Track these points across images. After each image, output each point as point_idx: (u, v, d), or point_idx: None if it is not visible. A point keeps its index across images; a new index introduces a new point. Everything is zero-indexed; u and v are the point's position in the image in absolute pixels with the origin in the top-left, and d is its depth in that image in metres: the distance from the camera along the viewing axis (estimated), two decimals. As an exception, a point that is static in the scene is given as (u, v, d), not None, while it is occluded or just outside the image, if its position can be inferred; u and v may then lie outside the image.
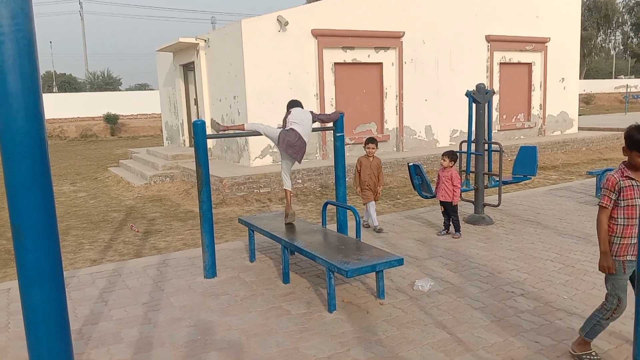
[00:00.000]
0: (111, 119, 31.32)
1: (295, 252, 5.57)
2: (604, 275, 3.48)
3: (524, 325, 4.13)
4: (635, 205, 3.28)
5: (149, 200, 11.17)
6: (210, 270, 5.46)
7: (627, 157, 3.31)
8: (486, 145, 7.54)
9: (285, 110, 5.90)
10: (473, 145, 7.49)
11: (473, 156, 7.51)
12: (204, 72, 14.18)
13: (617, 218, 3.33)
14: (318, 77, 12.83)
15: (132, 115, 35.04)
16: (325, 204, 6.08)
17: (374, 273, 4.71)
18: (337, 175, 6.36)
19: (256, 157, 12.33)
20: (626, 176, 3.29)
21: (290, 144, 5.55)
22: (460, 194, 6.86)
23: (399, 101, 14.21)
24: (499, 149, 7.30)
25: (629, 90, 42.86)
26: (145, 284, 5.35)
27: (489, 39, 15.71)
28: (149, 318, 4.51)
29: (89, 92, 42.97)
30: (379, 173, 7.23)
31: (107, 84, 53.60)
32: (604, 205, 3.34)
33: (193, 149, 5.54)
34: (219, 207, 9.95)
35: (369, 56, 13.67)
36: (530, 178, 8.29)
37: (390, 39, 13.81)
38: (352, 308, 4.59)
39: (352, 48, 13.34)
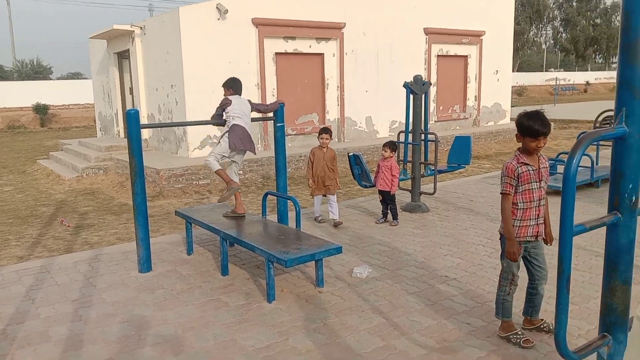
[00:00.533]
0: (41, 109, 29.74)
1: (235, 244, 5.51)
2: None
3: (457, 308, 4.28)
4: (532, 189, 3.49)
5: (80, 193, 10.71)
6: (145, 264, 5.31)
7: (520, 143, 3.50)
8: (423, 136, 7.73)
9: (224, 89, 5.77)
10: (410, 136, 7.66)
11: (410, 146, 7.68)
12: (139, 60, 13.70)
13: (517, 203, 3.52)
14: (259, 67, 12.70)
15: (63, 105, 33.44)
16: (265, 195, 6.04)
17: (314, 262, 4.74)
18: (278, 166, 6.33)
19: (195, 148, 12.08)
20: (522, 162, 3.47)
21: (244, 140, 5.58)
22: (398, 183, 7.01)
23: (340, 92, 14.30)
24: (434, 139, 7.49)
25: (558, 83, 45.18)
26: (75, 280, 5.14)
27: (427, 31, 16.07)
28: (79, 315, 4.33)
29: (16, 82, 40.58)
30: (333, 165, 6.95)
31: (36, 72, 50.78)
32: (507, 192, 3.50)
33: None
34: (156, 199, 9.69)
35: (310, 47, 13.66)
36: (465, 167, 8.57)
37: (331, 30, 13.85)
38: (292, 297, 4.59)
39: (293, 38, 13.28)
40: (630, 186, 2.54)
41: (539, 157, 3.54)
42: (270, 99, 12.62)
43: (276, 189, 6.40)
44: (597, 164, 8.77)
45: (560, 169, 8.93)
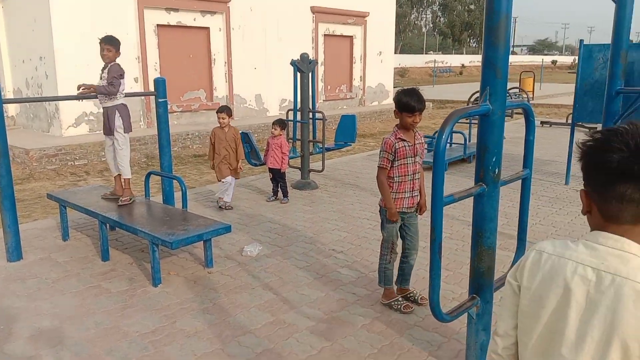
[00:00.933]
0: None
1: (116, 228, 5.23)
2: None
3: (343, 279, 4.45)
4: (407, 163, 3.70)
5: None
6: (15, 252, 4.86)
7: (398, 119, 3.72)
8: (311, 114, 7.83)
9: (113, 50, 5.04)
10: (299, 114, 7.72)
11: (299, 124, 7.75)
12: (1, 30, 12.31)
13: (393, 177, 3.73)
14: (139, 39, 12.00)
15: None
16: (148, 175, 5.78)
17: (202, 243, 4.64)
18: (161, 144, 6.06)
19: (69, 126, 11.20)
20: (399, 138, 3.67)
21: (130, 122, 5.22)
22: (288, 161, 7.06)
23: (228, 68, 14.00)
24: (322, 118, 7.62)
25: (436, 65, 48.01)
26: None
27: (314, 10, 16.20)
28: None
29: None
30: (237, 145, 6.54)
31: None
32: (383, 166, 3.70)
33: (-15, 115, 4.79)
34: (26, 182, 8.87)
35: (195, 20, 13.17)
36: (351, 145, 8.87)
37: (217, 4, 13.45)
38: (179, 280, 4.48)
39: (176, 10, 12.70)
40: (493, 159, 2.78)
41: (415, 134, 3.76)
42: (153, 74, 12.00)
43: (160, 169, 6.15)
44: (469, 140, 9.48)
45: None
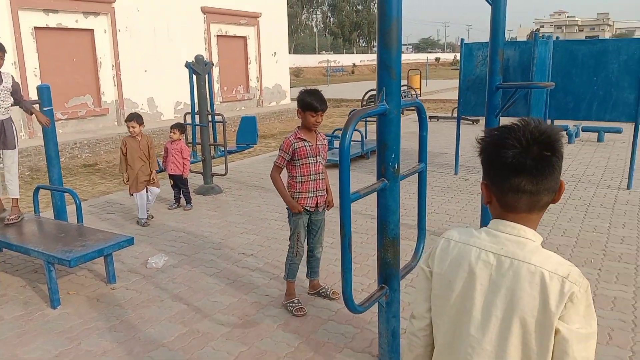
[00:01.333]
0: None
1: (2, 249, 4.80)
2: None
3: (256, 282, 4.45)
4: (309, 163, 3.77)
5: None
6: None
7: (301, 119, 3.79)
8: (210, 117, 7.70)
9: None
10: (197, 117, 7.57)
11: (198, 128, 7.59)
12: None
13: (296, 176, 3.79)
14: (15, 43, 11.05)
15: None
16: (37, 189, 5.37)
17: (102, 258, 4.41)
18: (49, 156, 5.64)
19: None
20: (299, 138, 3.73)
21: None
22: (190, 166, 6.89)
23: (116, 71, 13.32)
24: (222, 120, 7.53)
25: (329, 65, 49.12)
26: None
27: (205, 10, 15.90)
28: None
29: None
30: (151, 155, 6.12)
31: None
32: (277, 164, 3.77)
33: None
34: None
35: (77, 21, 12.38)
36: (253, 146, 8.85)
37: (100, 4, 12.74)
38: (80, 299, 4.22)
39: (55, 11, 11.85)
40: (393, 155, 2.94)
41: (317, 135, 3.84)
42: (33, 80, 11.12)
43: (49, 182, 5.72)
44: (365, 137, 9.85)
45: (336, 143, 9.82)
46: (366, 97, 13.30)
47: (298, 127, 3.82)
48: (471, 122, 13.95)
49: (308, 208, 3.85)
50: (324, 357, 3.30)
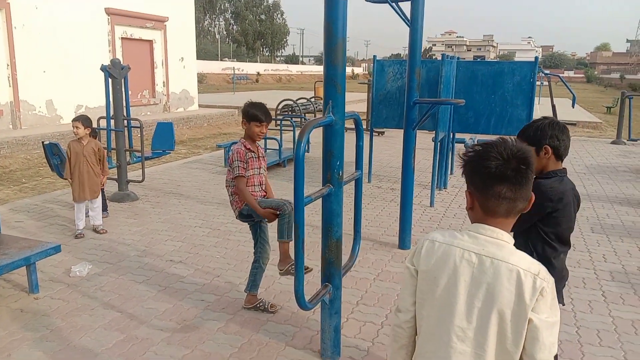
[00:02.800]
0: None
1: None
2: (250, 234, 4.08)
3: (189, 288, 4.47)
4: (255, 175, 3.86)
5: None
6: None
7: (245, 129, 3.85)
8: (125, 122, 7.49)
9: None
10: (112, 122, 7.33)
11: (113, 133, 7.36)
12: None
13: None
14: None
15: None
16: (-61, 196, 4.95)
17: (23, 268, 4.19)
18: (-49, 160, 5.24)
19: None
20: (248, 148, 3.82)
21: None
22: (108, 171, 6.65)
23: (11, 71, 12.40)
24: (139, 125, 7.36)
25: (235, 72, 48.80)
26: None
27: (109, 12, 15.30)
28: None
29: None
30: (100, 160, 5.82)
31: None
32: (242, 174, 3.75)
33: None
34: None
35: (-35, 15, 11.38)
36: (170, 152, 8.72)
37: (-7, -2, 11.82)
38: (1, 310, 3.98)
39: (-60, 2, 10.83)
40: (338, 163, 3.19)
41: (258, 147, 3.97)
42: None
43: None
44: (282, 146, 10.04)
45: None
46: (280, 107, 13.51)
47: (242, 138, 3.91)
48: (377, 134, 14.69)
49: (254, 217, 3.89)
50: (268, 356, 3.44)
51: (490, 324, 1.51)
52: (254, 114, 3.80)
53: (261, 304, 4.07)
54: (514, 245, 1.58)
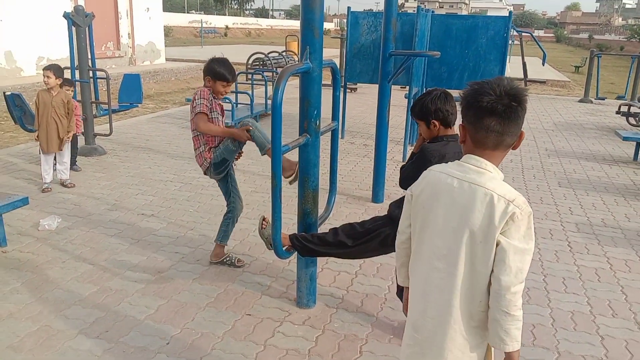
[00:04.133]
0: None
1: None
2: (220, 191, 3.99)
3: (162, 241, 4.43)
4: (217, 119, 3.70)
5: None
6: None
7: (210, 87, 3.64)
8: (91, 73, 7.21)
9: None
10: (77, 73, 7.04)
11: (79, 85, 7.07)
12: None
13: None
14: None
15: None
16: None
17: (-12, 220, 4.07)
18: None
19: None
20: (211, 92, 3.66)
21: None
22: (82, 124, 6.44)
23: (-36, 19, 11.70)
24: (105, 77, 7.09)
25: (203, 26, 47.26)
26: None
27: (69, -44, 14.43)
28: None
29: None
30: (68, 113, 5.59)
31: None
32: (203, 111, 3.56)
33: None
34: None
35: None
36: (137, 106, 8.47)
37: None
38: (-34, 264, 3.88)
39: None
40: (315, 112, 3.14)
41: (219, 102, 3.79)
42: None
43: None
44: (253, 101, 9.86)
45: (225, 106, 9.72)
46: (251, 61, 13.19)
47: (206, 86, 3.68)
48: (350, 90, 14.58)
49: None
50: (244, 305, 3.46)
51: (462, 243, 1.61)
52: (221, 73, 3.60)
53: (228, 259, 4.00)
54: None
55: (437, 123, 2.76)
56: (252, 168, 6.61)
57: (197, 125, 3.60)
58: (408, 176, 2.80)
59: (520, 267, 1.58)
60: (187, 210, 5.14)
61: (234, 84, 9.29)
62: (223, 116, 3.85)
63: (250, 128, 3.55)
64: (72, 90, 6.21)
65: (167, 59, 20.01)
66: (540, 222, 5.15)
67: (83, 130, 6.49)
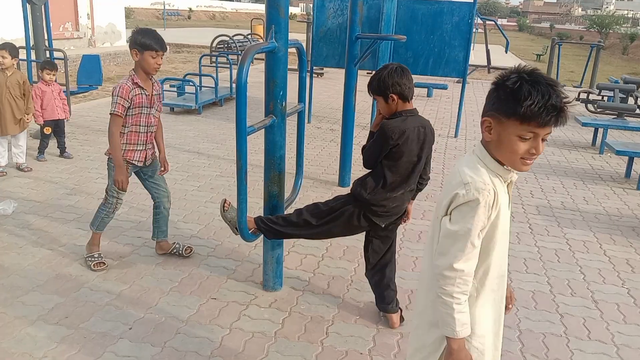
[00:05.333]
0: None
1: None
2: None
3: (124, 226, 4.31)
4: (142, 113, 3.40)
5: None
6: None
7: (137, 62, 3.34)
8: (47, 53, 6.93)
9: None
10: (33, 53, 6.76)
11: (34, 65, 6.79)
12: None
13: (125, 125, 3.37)
14: None
15: None
16: None
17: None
18: None
19: None
20: (136, 83, 3.33)
21: None
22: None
23: None
24: (63, 57, 6.83)
25: (165, 8, 46.05)
26: None
27: None
28: None
29: None
30: (24, 94, 5.36)
31: None
32: (117, 113, 3.27)
33: None
34: None
35: None
36: (97, 88, 8.21)
37: None
38: None
39: None
40: (281, 93, 3.09)
41: (153, 83, 3.47)
42: None
43: None
44: (217, 84, 9.69)
45: (188, 88, 9.55)
46: (215, 43, 12.97)
47: (134, 69, 3.36)
48: (317, 75, 14.49)
49: (136, 162, 3.49)
50: (209, 289, 3.41)
51: (435, 220, 1.69)
52: (146, 42, 3.25)
53: (175, 249, 3.81)
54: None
55: (395, 97, 2.75)
56: (216, 152, 6.51)
57: (108, 128, 3.35)
58: (371, 156, 2.80)
59: (447, 250, 1.55)
60: (149, 195, 5.01)
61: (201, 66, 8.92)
62: (160, 104, 3.55)
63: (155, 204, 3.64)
64: (54, 74, 5.89)
65: (128, 41, 19.46)
66: (503, 205, 5.25)
67: (69, 116, 6.25)
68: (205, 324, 3.02)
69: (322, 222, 2.95)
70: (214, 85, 9.34)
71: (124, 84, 3.30)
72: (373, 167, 2.82)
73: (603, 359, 2.90)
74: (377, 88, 2.79)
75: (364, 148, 2.91)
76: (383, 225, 2.91)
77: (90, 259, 3.61)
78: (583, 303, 3.49)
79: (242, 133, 2.71)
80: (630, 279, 3.87)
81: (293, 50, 3.37)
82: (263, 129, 3.07)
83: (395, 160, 2.73)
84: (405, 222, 3.11)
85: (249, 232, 3.01)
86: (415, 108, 2.85)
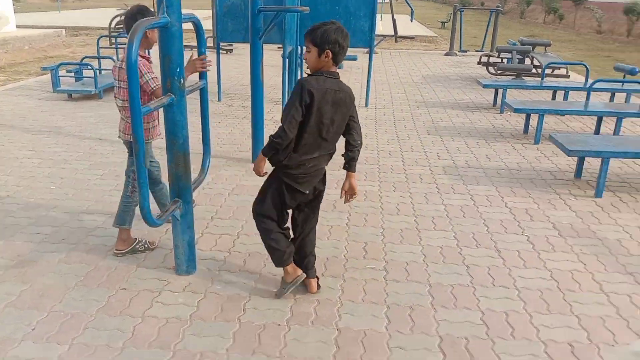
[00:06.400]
0: None
1: None
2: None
3: (21, 223, 4.02)
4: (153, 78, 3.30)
5: None
6: None
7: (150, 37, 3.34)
8: None
9: None
10: None
11: None
12: None
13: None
14: None
15: None
16: None
17: None
18: None
19: None
20: (143, 56, 3.32)
21: None
22: None
23: None
24: None
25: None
26: None
27: None
28: None
29: None
30: None
31: None
32: (160, 85, 3.13)
33: None
34: None
35: None
36: (-18, 77, 7.49)
37: None
38: None
39: None
40: (177, 69, 2.96)
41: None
42: None
43: None
44: (100, 72, 9.02)
45: (86, 73, 8.97)
46: (113, 25, 12.24)
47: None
48: (225, 52, 14.14)
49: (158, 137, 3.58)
50: (118, 279, 3.26)
51: None
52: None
53: (140, 245, 3.61)
54: None
55: (330, 55, 2.69)
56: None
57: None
58: (286, 109, 2.72)
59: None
60: (48, 188, 4.71)
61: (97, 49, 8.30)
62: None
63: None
64: None
65: (18, 26, 17.91)
66: (412, 168, 5.44)
67: None
68: (115, 315, 2.89)
69: (265, 206, 2.94)
70: (94, 75, 8.75)
71: (142, 61, 3.21)
72: (287, 122, 2.68)
73: (506, 302, 3.10)
74: (320, 39, 2.66)
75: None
76: (307, 192, 2.92)
77: (138, 245, 3.59)
78: (487, 253, 3.70)
79: (137, 114, 2.57)
80: (530, 227, 4.15)
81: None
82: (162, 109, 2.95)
83: (308, 119, 2.69)
84: (352, 197, 3.05)
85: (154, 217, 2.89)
86: (337, 72, 2.80)
